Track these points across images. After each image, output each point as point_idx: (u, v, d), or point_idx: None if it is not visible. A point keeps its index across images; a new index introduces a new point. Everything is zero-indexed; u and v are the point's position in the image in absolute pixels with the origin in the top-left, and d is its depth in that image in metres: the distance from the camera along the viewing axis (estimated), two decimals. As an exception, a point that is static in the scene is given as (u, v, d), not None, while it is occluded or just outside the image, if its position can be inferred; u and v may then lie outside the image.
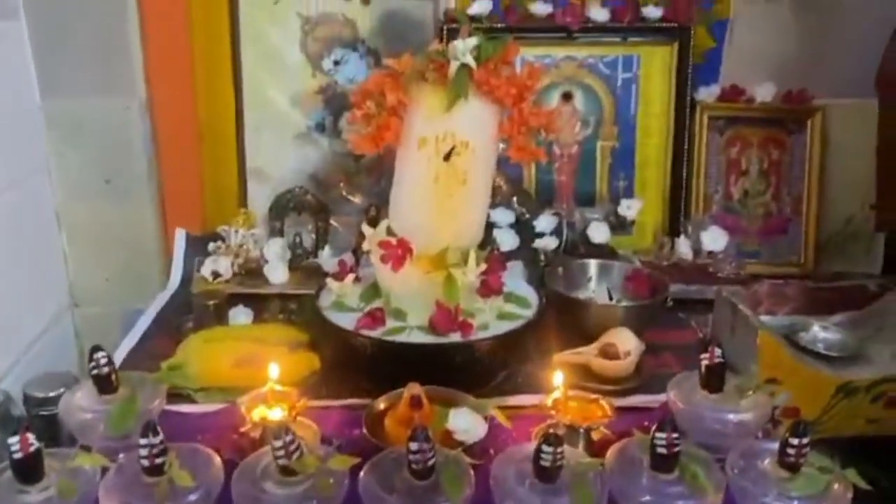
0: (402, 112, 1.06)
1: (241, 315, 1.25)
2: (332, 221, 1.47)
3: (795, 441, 0.74)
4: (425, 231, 1.07)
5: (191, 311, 1.26)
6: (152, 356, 1.12)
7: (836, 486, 0.76)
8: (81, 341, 1.52)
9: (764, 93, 1.54)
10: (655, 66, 1.53)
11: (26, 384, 1.14)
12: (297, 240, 1.43)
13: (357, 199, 1.49)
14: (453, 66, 1.01)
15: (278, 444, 0.73)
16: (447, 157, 1.04)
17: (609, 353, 1.10)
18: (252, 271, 1.36)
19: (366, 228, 1.13)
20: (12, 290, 1.29)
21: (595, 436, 0.93)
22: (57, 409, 0.91)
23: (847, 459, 1.17)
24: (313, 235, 1.44)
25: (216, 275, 1.34)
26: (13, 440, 0.71)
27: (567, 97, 1.55)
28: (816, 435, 1.12)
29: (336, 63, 1.48)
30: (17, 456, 0.71)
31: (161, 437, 0.73)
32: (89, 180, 1.45)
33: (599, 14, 1.50)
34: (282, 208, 1.43)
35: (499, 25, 1.46)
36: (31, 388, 1.13)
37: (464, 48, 1.00)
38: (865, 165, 1.50)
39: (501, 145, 1.11)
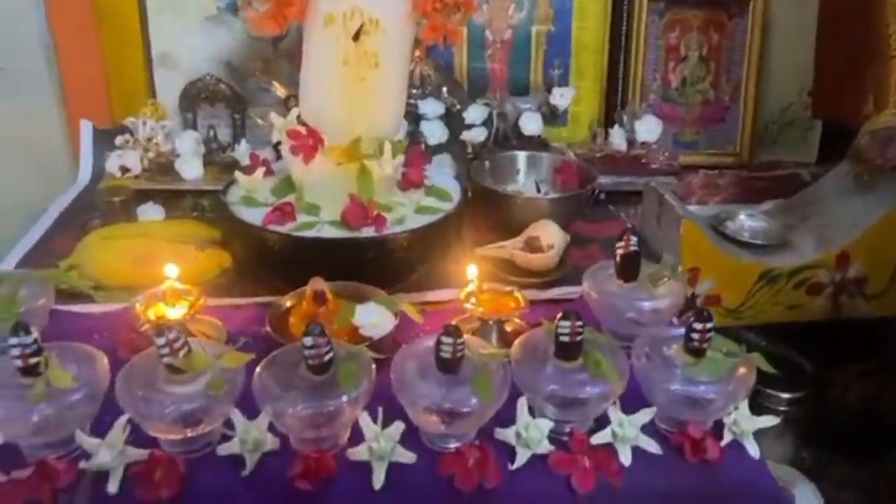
0: (307, -14, 0.97)
1: (151, 212, 1.18)
2: (250, 113, 1.38)
3: (699, 326, 0.72)
4: (336, 119, 1.01)
5: (96, 209, 1.18)
6: (52, 255, 1.05)
7: (741, 370, 0.75)
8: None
9: (706, -28, 1.46)
10: (593, -58, 1.43)
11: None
12: (212, 133, 1.34)
13: (277, 89, 1.40)
14: (359, -67, 0.91)
15: (161, 341, 0.69)
16: (356, 36, 0.96)
17: (533, 246, 1.08)
18: (163, 166, 1.28)
19: (275, 118, 1.06)
20: None
21: (509, 327, 0.91)
22: None
23: (773, 344, 1.20)
24: (229, 128, 1.35)
25: (124, 170, 1.26)
26: None
27: (500, -23, 1.46)
28: (738, 322, 1.14)
29: (247, -66, 1.35)
30: None
31: (34, 336, 0.68)
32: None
33: None
34: (193, 98, 1.33)
35: None
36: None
37: (370, -88, 0.91)
38: (806, 51, 1.45)
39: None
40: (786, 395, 1.25)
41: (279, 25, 0.97)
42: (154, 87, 1.38)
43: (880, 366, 1.33)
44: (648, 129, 1.36)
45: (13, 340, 0.68)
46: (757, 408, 0.99)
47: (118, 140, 1.30)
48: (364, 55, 0.97)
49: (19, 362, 0.68)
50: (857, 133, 1.18)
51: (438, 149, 1.35)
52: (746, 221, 1.17)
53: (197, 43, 1.38)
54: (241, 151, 1.30)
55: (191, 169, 1.27)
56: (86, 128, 1.36)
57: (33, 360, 0.68)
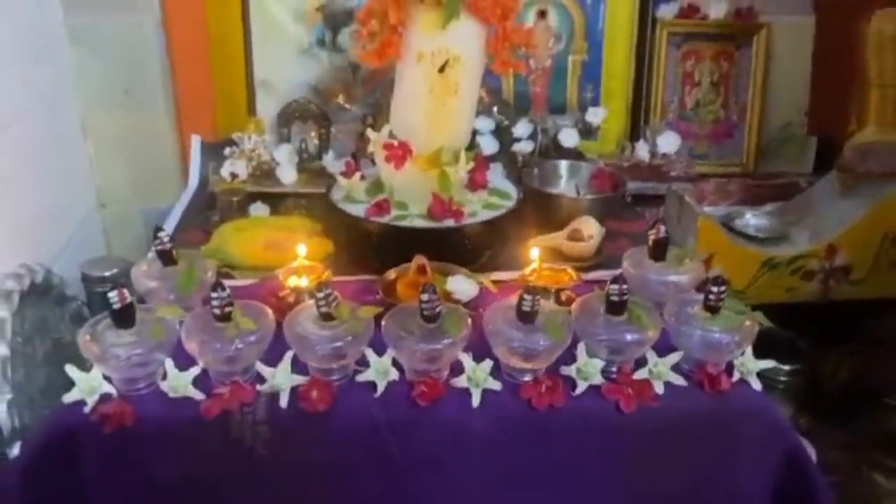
0: (402, 30, 1.22)
1: (259, 210, 1.44)
2: (331, 129, 1.64)
3: (715, 289, 0.97)
4: (422, 135, 1.25)
5: (215, 207, 1.44)
6: (187, 245, 1.28)
7: (746, 322, 0.99)
8: (108, 237, 1.71)
9: (717, 11, 1.72)
10: (621, -15, 1.69)
11: (82, 266, 1.33)
12: (303, 145, 1.60)
13: (354, 109, 1.66)
14: (448, -11, 1.17)
15: (321, 294, 0.94)
16: (441, 69, 1.21)
17: (575, 237, 1.32)
18: (265, 173, 1.54)
19: (371, 133, 1.30)
20: (48, 193, 1.45)
21: (563, 296, 1.16)
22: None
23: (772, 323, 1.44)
24: (316, 141, 1.61)
25: (234, 175, 1.51)
26: (112, 294, 0.90)
27: (542, 14, 1.72)
28: (744, 302, 1.39)
29: (335, -19, 1.61)
30: (116, 306, 0.91)
31: (228, 291, 0.94)
32: (110, 91, 1.60)
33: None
34: (289, 117, 1.59)
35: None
36: (87, 269, 1.32)
37: (456, -28, 1.16)
38: (803, 77, 1.70)
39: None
40: (784, 367, 1.48)
41: (381, 60, 1.23)
42: (255, 107, 1.65)
43: (865, 346, 1.56)
44: (668, 142, 1.61)
45: (214, 295, 0.93)
46: (760, 377, 1.22)
47: (226, 151, 1.55)
48: (447, 85, 1.22)
49: (217, 311, 0.93)
50: (844, 147, 1.43)
51: (490, 159, 1.60)
52: (752, 219, 1.42)
53: (291, 70, 1.65)
54: (328, 160, 1.56)
55: (288, 175, 1.53)
56: (196, 142, 1.63)
57: (227, 309, 0.93)
